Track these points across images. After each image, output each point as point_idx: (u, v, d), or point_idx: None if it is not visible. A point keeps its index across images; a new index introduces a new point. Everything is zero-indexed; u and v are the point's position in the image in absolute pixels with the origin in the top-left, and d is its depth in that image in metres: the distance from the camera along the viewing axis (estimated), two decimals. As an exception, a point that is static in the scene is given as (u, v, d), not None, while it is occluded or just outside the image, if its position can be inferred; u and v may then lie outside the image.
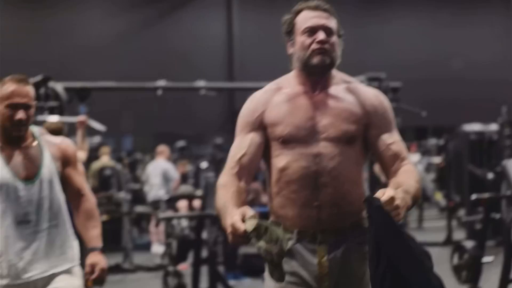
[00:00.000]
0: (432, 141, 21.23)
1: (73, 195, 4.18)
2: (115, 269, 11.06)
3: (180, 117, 19.04)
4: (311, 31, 3.27)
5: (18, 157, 3.95)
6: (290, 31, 3.36)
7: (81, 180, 4.22)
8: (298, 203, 3.24)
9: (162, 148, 13.95)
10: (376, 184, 11.98)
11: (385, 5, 22.18)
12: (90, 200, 4.24)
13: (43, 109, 10.40)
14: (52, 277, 3.99)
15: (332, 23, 3.29)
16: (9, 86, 3.92)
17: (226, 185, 3.21)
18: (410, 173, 3.22)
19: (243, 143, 3.32)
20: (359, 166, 3.33)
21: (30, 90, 3.95)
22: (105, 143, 15.24)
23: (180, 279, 8.99)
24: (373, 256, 2.92)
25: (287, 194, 3.26)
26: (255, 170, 3.35)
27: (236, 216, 2.90)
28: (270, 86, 3.43)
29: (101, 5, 19.61)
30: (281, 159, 3.27)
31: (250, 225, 2.88)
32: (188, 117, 19.05)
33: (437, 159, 18.98)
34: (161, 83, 13.04)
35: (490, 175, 12.00)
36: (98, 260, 4.03)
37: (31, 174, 3.94)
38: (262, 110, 3.34)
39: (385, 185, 3.10)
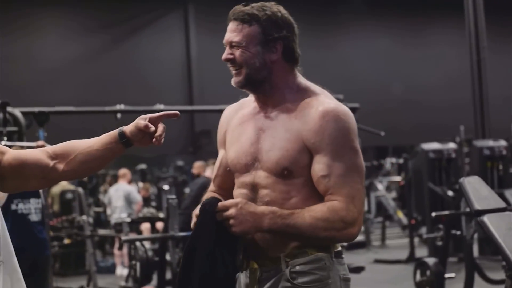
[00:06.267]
0: (391, 160, 21.47)
1: (44, 160, 2.80)
2: (79, 292, 11.03)
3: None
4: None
5: None
6: None
7: (31, 149, 2.89)
8: None
9: (124, 171, 13.99)
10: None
11: (345, 27, 22.45)
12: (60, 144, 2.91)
13: (2, 134, 10.32)
14: None
15: (241, 34, 3.01)
16: None
17: None
18: (319, 207, 2.88)
19: (216, 163, 3.26)
20: (304, 199, 2.95)
21: None
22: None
23: (145, 301, 8.95)
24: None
25: None
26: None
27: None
28: (237, 102, 3.27)
29: (59, 31, 19.65)
30: (235, 188, 3.14)
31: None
32: (148, 140, 19.10)
33: (397, 178, 19.19)
34: (120, 106, 13.05)
35: (450, 193, 12.15)
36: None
37: None
38: (225, 129, 3.21)
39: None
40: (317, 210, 2.86)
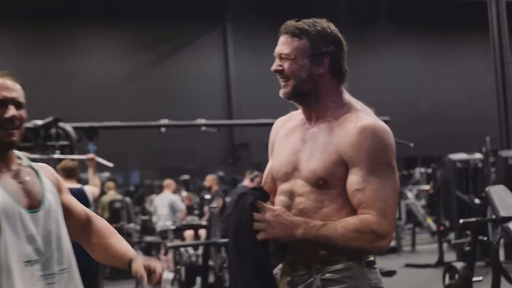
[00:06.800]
0: (420, 170, 21.76)
1: (80, 222, 3.10)
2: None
3: (183, 152, 19.47)
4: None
5: (10, 179, 2.80)
6: None
7: (81, 204, 3.17)
8: None
9: (169, 182, 14.52)
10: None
11: (373, 44, 22.73)
12: (102, 219, 3.21)
13: (55, 148, 10.94)
14: None
15: (290, 47, 3.08)
16: None
17: None
18: (351, 219, 2.93)
19: (265, 170, 3.33)
20: (337, 209, 3.02)
21: (18, 86, 2.96)
22: (112, 178, 15.70)
23: (189, 303, 9.41)
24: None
25: None
26: None
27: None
28: (286, 115, 3.34)
29: (106, 50, 20.25)
30: (276, 195, 3.20)
31: None
32: (191, 152, 19.46)
33: (426, 187, 19.42)
34: (164, 121, 13.63)
35: (477, 201, 12.45)
36: (151, 261, 3.01)
37: (34, 201, 2.79)
38: (273, 140, 3.28)
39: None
40: (349, 222, 2.91)
